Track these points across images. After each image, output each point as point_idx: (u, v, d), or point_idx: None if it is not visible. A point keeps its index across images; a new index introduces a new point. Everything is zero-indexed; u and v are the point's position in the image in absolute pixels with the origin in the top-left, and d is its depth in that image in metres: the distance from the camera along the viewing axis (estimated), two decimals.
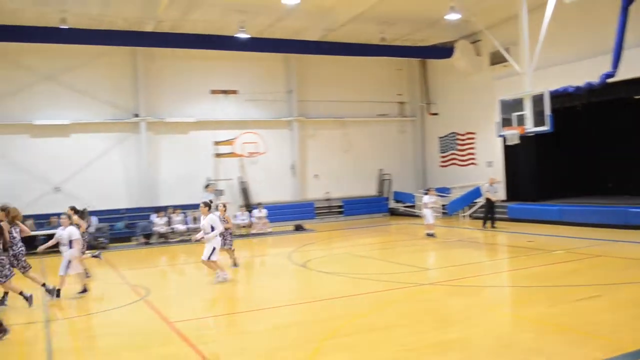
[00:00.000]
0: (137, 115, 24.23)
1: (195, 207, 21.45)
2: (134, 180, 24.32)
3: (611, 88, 18.24)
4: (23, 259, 11.46)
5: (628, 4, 16.32)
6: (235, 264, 14.79)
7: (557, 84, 19.48)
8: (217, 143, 24.70)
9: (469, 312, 9.30)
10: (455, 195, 26.30)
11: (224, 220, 14.06)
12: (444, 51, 26.39)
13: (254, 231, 23.22)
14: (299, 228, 24.21)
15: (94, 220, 21.44)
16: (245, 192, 25.61)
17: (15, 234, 11.27)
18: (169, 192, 24.21)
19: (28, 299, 10.79)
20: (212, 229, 12.54)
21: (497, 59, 23.45)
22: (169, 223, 22.22)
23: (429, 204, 19.38)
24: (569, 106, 20.59)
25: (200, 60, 25.05)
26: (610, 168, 24.15)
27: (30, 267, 11.63)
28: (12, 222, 11.28)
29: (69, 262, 11.62)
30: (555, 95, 18.17)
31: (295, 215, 26.04)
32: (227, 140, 24.17)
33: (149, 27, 21.77)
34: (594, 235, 17.32)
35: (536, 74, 17.85)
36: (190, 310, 10.51)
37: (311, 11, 21.75)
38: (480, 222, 21.59)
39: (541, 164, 23.87)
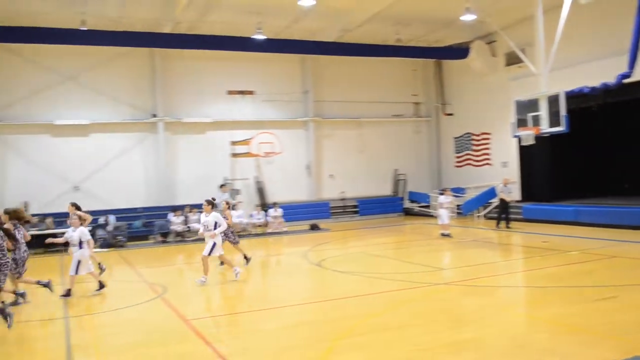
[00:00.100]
0: (155, 116, 24.54)
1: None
2: (152, 179, 24.63)
3: (627, 88, 18.21)
4: (22, 265, 11.26)
5: None
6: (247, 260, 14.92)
7: (573, 85, 19.48)
8: (233, 143, 24.94)
9: (483, 312, 9.34)
10: (470, 195, 26.31)
11: (225, 218, 14.22)
12: (459, 52, 26.40)
13: (269, 230, 23.42)
14: (314, 227, 24.37)
15: (111, 218, 21.79)
16: (261, 191, 25.82)
17: (17, 237, 11.05)
18: (186, 191, 24.48)
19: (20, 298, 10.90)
20: (216, 226, 12.72)
21: (512, 59, 23.42)
22: (185, 222, 22.46)
23: (444, 204, 19.44)
24: (584, 107, 20.50)
25: (217, 61, 25.30)
26: (626, 169, 24.04)
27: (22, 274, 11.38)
28: (16, 224, 11.18)
29: (79, 262, 11.69)
30: (571, 96, 18.15)
31: (310, 214, 26.21)
32: (243, 140, 24.40)
33: (166, 29, 22.04)
34: (609, 236, 17.26)
35: (551, 75, 17.83)
36: (206, 308, 10.68)
37: (327, 12, 21.88)
38: (495, 222, 21.62)
39: (556, 164, 23.80)
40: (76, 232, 11.82)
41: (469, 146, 28.26)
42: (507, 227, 20.89)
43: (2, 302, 10.53)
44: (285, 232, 23.34)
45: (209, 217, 12.82)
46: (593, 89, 19.98)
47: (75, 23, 20.20)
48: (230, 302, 11.85)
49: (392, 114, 29.57)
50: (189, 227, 22.38)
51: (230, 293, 12.62)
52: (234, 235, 15.25)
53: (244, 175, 25.52)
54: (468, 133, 28.25)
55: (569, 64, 20.32)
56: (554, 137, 18.47)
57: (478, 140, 27.61)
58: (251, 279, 14.37)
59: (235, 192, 24.52)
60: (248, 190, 25.76)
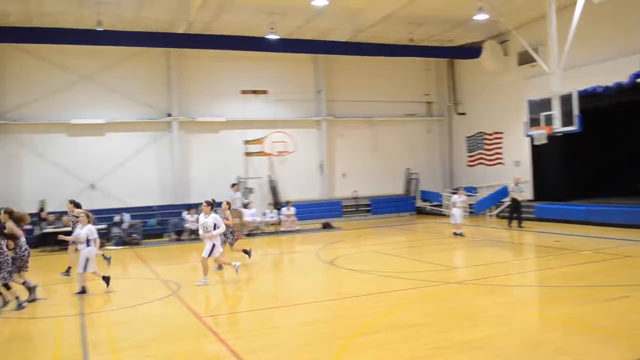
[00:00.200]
0: (169, 115, 24.77)
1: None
2: (167, 178, 24.87)
3: None
4: (24, 263, 11.32)
5: None
6: (220, 267, 14.37)
7: (586, 84, 19.47)
8: (247, 142, 25.13)
9: (495, 311, 9.38)
10: (482, 194, 26.33)
11: (225, 218, 14.14)
12: (471, 51, 26.41)
13: (282, 229, 23.57)
14: (326, 226, 24.50)
15: (126, 217, 22.04)
16: (274, 190, 25.98)
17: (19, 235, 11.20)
18: (200, 189, 24.62)
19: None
20: (215, 227, 12.63)
21: (525, 59, 23.33)
22: (199, 220, 22.61)
23: (457, 204, 19.50)
24: (597, 106, 20.47)
25: (230, 61, 25.49)
26: (639, 168, 23.94)
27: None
28: (17, 224, 11.29)
29: (87, 259, 11.80)
30: (584, 95, 18.15)
31: (323, 213, 26.34)
32: (256, 140, 24.57)
33: (181, 29, 22.25)
34: (622, 236, 17.25)
35: (564, 74, 17.79)
36: (220, 306, 10.81)
37: (340, 12, 21.99)
38: (507, 221, 21.65)
39: (569, 164, 23.76)
40: (84, 230, 11.92)
41: (481, 145, 28.25)
42: (519, 227, 20.91)
43: (17, 297, 10.78)
44: (298, 231, 23.48)
45: (208, 219, 12.68)
46: (606, 88, 19.98)
47: (92, 24, 20.48)
48: (244, 299, 11.98)
49: (404, 114, 29.62)
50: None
51: (244, 291, 12.76)
52: (233, 236, 15.09)
53: (257, 174, 25.72)
54: (480, 132, 28.24)
55: (582, 63, 20.30)
56: (566, 136, 18.48)
57: (490, 140, 27.60)
58: (264, 277, 14.54)
59: (248, 191, 24.73)
60: (261, 189, 25.95)
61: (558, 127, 17.21)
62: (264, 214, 23.87)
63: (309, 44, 24.86)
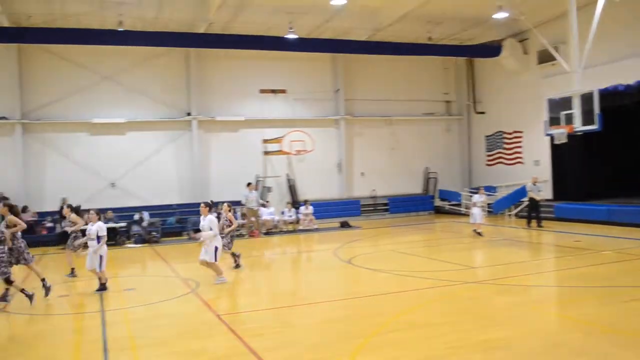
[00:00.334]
0: (189, 114, 24.95)
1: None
2: (186, 176, 25.06)
3: None
4: (20, 254, 11.35)
5: None
6: (237, 265, 14.48)
7: (607, 82, 19.28)
8: (265, 141, 25.24)
9: (514, 311, 9.35)
10: (502, 194, 26.17)
11: (227, 220, 14.05)
12: (491, 50, 26.22)
13: (300, 227, 23.63)
14: (344, 225, 24.52)
15: (145, 215, 22.26)
16: (292, 189, 26.05)
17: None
18: (219, 188, 24.81)
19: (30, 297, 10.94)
20: (211, 230, 12.37)
21: (545, 57, 23.16)
22: (218, 219, 22.71)
23: (478, 203, 19.40)
24: (619, 104, 20.24)
25: (249, 60, 25.60)
26: None
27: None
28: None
29: (101, 257, 11.86)
30: (605, 94, 17.98)
31: (341, 212, 26.36)
32: (275, 139, 24.67)
33: (201, 29, 22.42)
34: None
35: (585, 72, 17.64)
36: (238, 304, 10.88)
37: (359, 11, 22.03)
38: (525, 221, 21.51)
39: (589, 163, 23.52)
40: (94, 227, 12.01)
41: (501, 144, 28.07)
42: (539, 226, 20.75)
43: (22, 289, 10.92)
44: (316, 230, 23.51)
45: (204, 221, 12.51)
46: (627, 86, 19.75)
47: (113, 24, 20.77)
48: (262, 298, 12.02)
49: (423, 112, 29.53)
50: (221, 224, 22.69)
51: (262, 289, 12.84)
52: (231, 239, 14.68)
53: (276, 173, 25.82)
54: (500, 131, 28.06)
55: (603, 61, 20.07)
56: (587, 135, 18.33)
57: (510, 139, 27.41)
58: (282, 275, 14.60)
59: (267, 190, 24.84)
60: (279, 187, 26.04)
61: (578, 126, 17.08)
62: (282, 213, 23.96)
63: (328, 43, 24.89)
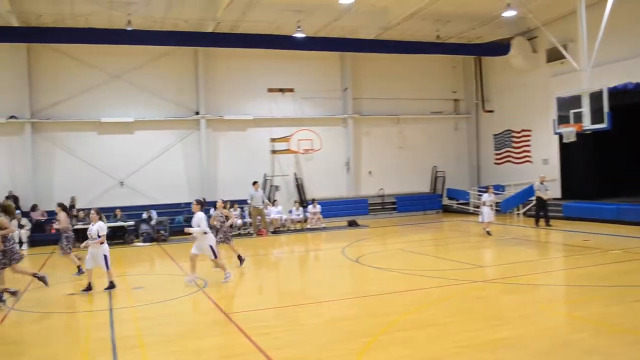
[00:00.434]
0: (197, 113, 25.01)
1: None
2: (194, 175, 25.11)
3: None
4: (13, 255, 11.37)
5: None
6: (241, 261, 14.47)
7: (616, 81, 19.18)
8: (273, 140, 25.27)
9: (522, 310, 9.34)
10: (510, 193, 26.09)
11: (222, 216, 14.00)
12: (499, 48, 26.14)
13: (308, 226, 23.65)
14: (352, 224, 24.52)
15: (153, 213, 22.33)
16: (300, 188, 26.07)
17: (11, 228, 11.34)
18: (227, 187, 24.86)
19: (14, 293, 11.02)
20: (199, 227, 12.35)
21: (554, 55, 23.07)
22: (226, 217, 22.83)
23: (487, 202, 19.33)
24: (628, 103, 20.13)
25: (258, 59, 25.63)
26: None
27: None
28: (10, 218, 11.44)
29: (105, 256, 11.90)
30: (614, 92, 17.89)
31: (348, 211, 26.35)
32: (283, 137, 24.70)
33: (209, 28, 22.46)
34: None
35: (594, 71, 17.54)
36: (245, 302, 10.89)
37: (367, 10, 22.00)
38: (534, 220, 21.43)
39: (598, 161, 23.43)
40: (95, 227, 12.00)
41: (509, 143, 27.98)
42: (547, 225, 20.67)
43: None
44: (324, 228, 23.51)
45: (194, 218, 12.51)
46: (637, 85, 19.64)
47: (122, 24, 20.83)
48: (270, 296, 12.09)
49: (431, 111, 29.47)
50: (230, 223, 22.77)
51: (270, 288, 12.86)
52: (225, 235, 14.76)
53: (284, 172, 25.87)
54: (508, 130, 27.96)
55: (612, 59, 19.96)
56: (596, 134, 18.24)
57: (518, 137, 27.31)
58: (290, 274, 14.62)
59: (274, 189, 24.88)
60: (287, 186, 26.08)
61: (588, 124, 17.01)
62: (290, 212, 23.98)
63: (336, 42, 24.87)
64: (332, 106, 27.47)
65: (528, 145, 26.75)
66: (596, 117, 16.78)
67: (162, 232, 21.65)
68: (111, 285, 12.01)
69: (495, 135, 29.00)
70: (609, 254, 14.44)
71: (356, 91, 27.74)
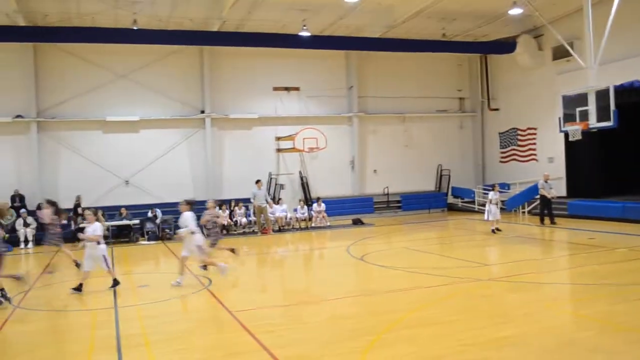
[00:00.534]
0: (202, 112, 25.05)
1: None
2: (199, 174, 25.17)
3: None
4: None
5: None
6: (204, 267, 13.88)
7: (623, 79, 19.10)
8: (278, 138, 25.29)
9: (527, 308, 9.31)
10: (515, 191, 26.03)
11: (211, 215, 13.95)
12: (505, 46, 26.07)
13: (313, 225, 23.66)
14: (357, 222, 24.52)
15: (158, 212, 22.37)
16: (305, 186, 26.07)
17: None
18: (232, 185, 24.92)
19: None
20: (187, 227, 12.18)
21: (560, 53, 22.99)
22: (231, 216, 22.93)
23: (493, 200, 19.29)
24: (635, 101, 20.05)
25: (263, 58, 25.65)
26: None
27: None
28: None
29: (104, 256, 11.85)
30: (621, 90, 17.81)
31: (353, 209, 26.34)
32: (288, 136, 24.71)
33: (214, 27, 22.49)
34: None
35: (600, 68, 17.40)
36: (250, 301, 10.90)
37: (372, 8, 21.96)
38: (539, 218, 21.37)
39: (604, 160, 23.34)
40: (90, 228, 11.95)
41: (515, 141, 27.91)
42: (552, 224, 20.62)
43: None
44: (329, 227, 23.54)
45: (181, 218, 12.40)
46: None
47: (127, 23, 20.91)
48: (274, 294, 12.10)
49: (436, 109, 29.42)
50: (234, 221, 22.84)
51: (275, 286, 12.87)
52: (217, 235, 14.65)
53: (289, 171, 25.90)
54: (514, 128, 27.89)
55: (618, 57, 19.87)
56: (602, 132, 18.16)
57: (524, 136, 27.24)
58: (295, 272, 14.63)
59: (280, 187, 24.90)
60: (292, 185, 26.10)
61: (593, 122, 16.91)
62: (295, 210, 23.98)
63: (341, 40, 24.87)
64: (337, 105, 27.46)
65: (534, 144, 26.67)
66: (602, 115, 16.68)
67: (167, 230, 21.72)
68: (115, 283, 12.02)
69: (500, 133, 28.93)
70: (614, 252, 14.41)
71: (361, 89, 27.72)
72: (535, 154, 26.58)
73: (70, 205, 21.87)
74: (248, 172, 24.57)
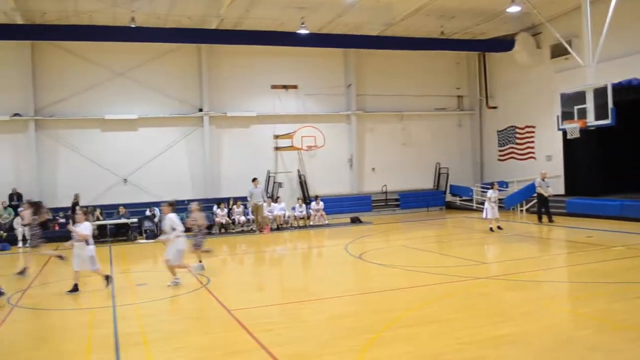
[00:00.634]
0: (201, 110, 25.02)
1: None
2: (198, 172, 25.16)
3: None
4: None
5: None
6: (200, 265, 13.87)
7: (621, 76, 19.08)
8: (276, 137, 25.27)
9: (525, 307, 9.32)
10: (513, 189, 26.04)
11: (194, 220, 13.81)
12: (504, 44, 26.06)
13: (311, 223, 23.66)
14: (355, 220, 24.52)
15: (157, 211, 22.31)
16: (303, 184, 26.06)
17: None
18: (230, 184, 24.89)
19: None
20: (174, 230, 11.92)
21: (558, 51, 23.00)
22: (229, 214, 22.92)
23: (492, 199, 19.28)
24: (633, 99, 20.07)
25: (261, 56, 25.63)
26: None
27: None
28: None
29: (92, 257, 11.77)
30: (619, 88, 17.79)
31: (352, 207, 26.37)
32: (286, 134, 24.69)
33: (212, 25, 22.48)
34: None
35: (598, 66, 17.40)
36: (248, 299, 10.90)
37: (370, 6, 21.96)
38: (536, 217, 21.38)
39: (602, 158, 23.35)
40: (79, 227, 11.83)
41: (513, 139, 27.92)
42: (550, 222, 20.62)
43: None
44: (327, 225, 23.54)
45: (165, 221, 12.25)
46: None
47: (126, 21, 20.88)
48: (273, 293, 12.10)
49: (435, 108, 29.43)
50: (233, 219, 22.82)
51: (273, 284, 12.86)
52: (202, 237, 14.33)
53: (287, 169, 25.88)
54: (512, 126, 27.91)
55: (616, 55, 19.91)
56: (600, 130, 18.19)
57: (522, 134, 27.26)
58: (293, 271, 14.62)
59: (278, 186, 24.88)
60: (291, 183, 26.09)
61: (592, 120, 16.89)
62: (293, 209, 23.97)
63: (340, 38, 24.87)
64: (335, 103, 27.45)
65: (532, 142, 26.69)
66: (600, 113, 16.66)
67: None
68: (107, 280, 11.96)
69: (499, 131, 28.95)
70: (612, 250, 14.42)
71: (360, 88, 27.71)
72: (533, 152, 26.60)
73: (68, 203, 21.87)
74: (246, 170, 24.53)
